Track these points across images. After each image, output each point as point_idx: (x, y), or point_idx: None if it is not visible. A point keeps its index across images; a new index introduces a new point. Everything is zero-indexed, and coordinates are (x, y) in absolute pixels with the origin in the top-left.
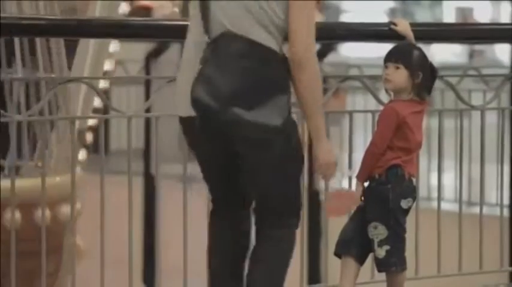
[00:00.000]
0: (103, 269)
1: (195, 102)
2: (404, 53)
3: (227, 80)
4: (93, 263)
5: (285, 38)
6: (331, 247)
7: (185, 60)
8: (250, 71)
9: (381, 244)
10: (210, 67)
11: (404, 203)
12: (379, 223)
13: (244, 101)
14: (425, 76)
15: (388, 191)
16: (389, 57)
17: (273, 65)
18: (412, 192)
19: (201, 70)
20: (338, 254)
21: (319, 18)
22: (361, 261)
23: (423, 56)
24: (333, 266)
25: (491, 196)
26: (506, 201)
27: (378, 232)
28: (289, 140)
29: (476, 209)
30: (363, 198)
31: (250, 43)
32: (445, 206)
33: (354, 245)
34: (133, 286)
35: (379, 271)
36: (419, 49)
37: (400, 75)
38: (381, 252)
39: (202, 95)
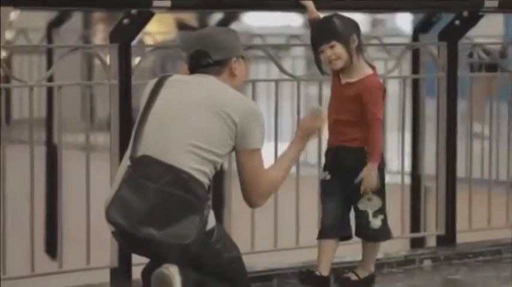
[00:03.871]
0: (4, 239)
1: (110, 223)
2: (330, 29)
3: (140, 202)
4: None
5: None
6: (235, 216)
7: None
8: (164, 194)
9: (376, 214)
10: (125, 189)
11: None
12: (374, 195)
13: (156, 221)
14: (358, 33)
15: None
16: (320, 41)
17: (189, 189)
18: None
19: (117, 192)
20: (324, 238)
21: None
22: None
23: (343, 19)
24: (236, 236)
25: (393, 163)
26: (407, 169)
27: (372, 203)
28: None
29: None
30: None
31: (167, 168)
32: None
33: (343, 226)
34: (35, 255)
35: (376, 241)
36: (335, 15)
37: (340, 50)
38: (377, 222)
39: (115, 217)
